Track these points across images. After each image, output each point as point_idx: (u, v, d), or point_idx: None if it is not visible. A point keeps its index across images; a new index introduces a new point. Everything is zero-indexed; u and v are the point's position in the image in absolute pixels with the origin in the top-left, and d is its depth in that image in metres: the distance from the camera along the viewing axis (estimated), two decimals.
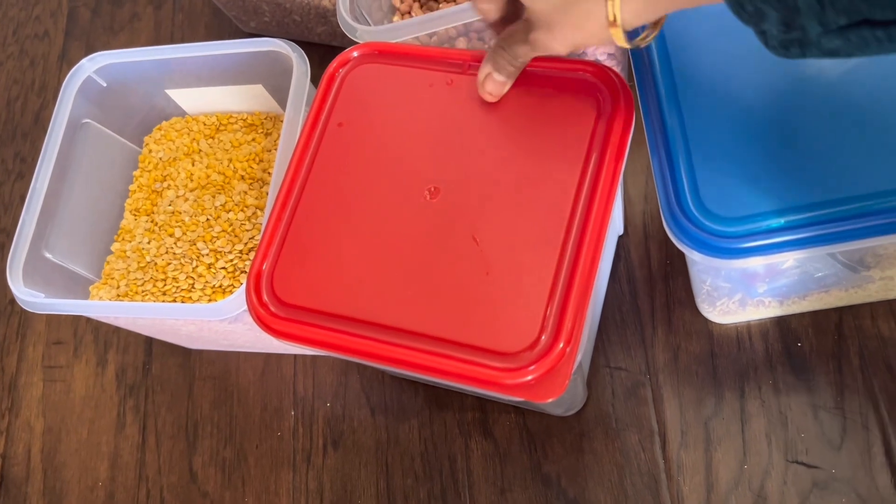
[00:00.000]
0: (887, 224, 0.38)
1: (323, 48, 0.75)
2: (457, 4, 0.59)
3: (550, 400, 0.40)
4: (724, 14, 0.44)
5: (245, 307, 0.45)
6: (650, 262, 0.60)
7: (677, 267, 0.59)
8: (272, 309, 0.44)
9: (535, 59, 0.47)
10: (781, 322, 0.55)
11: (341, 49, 0.61)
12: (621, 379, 0.57)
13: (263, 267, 0.45)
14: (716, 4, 0.32)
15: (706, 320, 0.57)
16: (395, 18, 0.61)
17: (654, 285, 0.59)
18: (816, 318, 0.54)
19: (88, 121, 0.61)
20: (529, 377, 0.40)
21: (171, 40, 0.83)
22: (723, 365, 0.55)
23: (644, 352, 0.57)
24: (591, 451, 0.55)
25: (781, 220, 0.39)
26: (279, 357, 0.64)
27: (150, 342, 0.68)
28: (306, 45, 0.75)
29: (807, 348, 0.54)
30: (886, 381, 0.52)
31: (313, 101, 0.49)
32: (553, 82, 0.46)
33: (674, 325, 0.57)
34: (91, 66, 0.59)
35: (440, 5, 0.59)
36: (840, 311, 0.54)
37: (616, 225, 0.59)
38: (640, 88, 0.45)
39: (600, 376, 0.57)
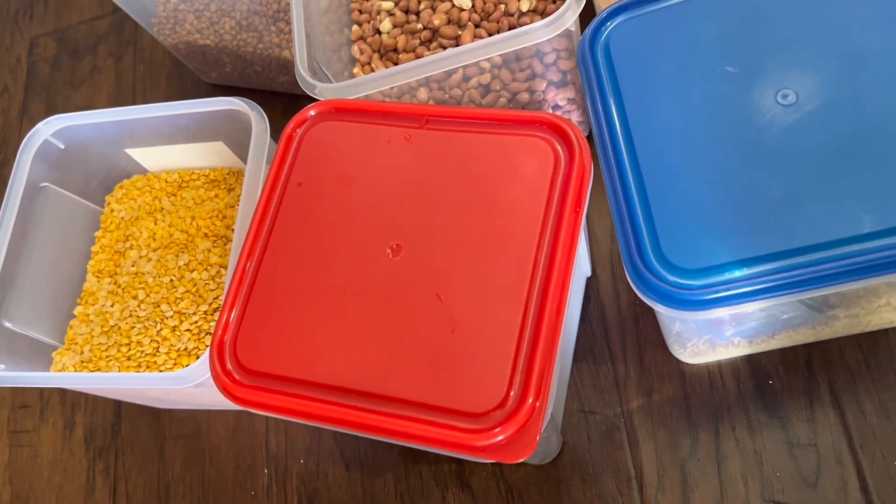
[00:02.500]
0: (849, 270, 0.38)
1: (286, 97, 0.75)
2: (416, 55, 0.59)
3: (521, 460, 0.40)
4: (678, 67, 0.45)
5: (209, 374, 0.45)
6: (620, 302, 0.60)
7: (646, 307, 0.59)
8: (236, 377, 0.44)
9: (494, 112, 0.47)
10: (752, 360, 0.55)
11: (304, 98, 0.61)
12: (596, 423, 0.56)
13: (225, 337, 0.44)
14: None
15: (678, 361, 0.56)
16: (356, 70, 0.61)
17: (624, 326, 0.59)
18: (786, 355, 0.55)
19: (47, 184, 0.60)
20: (500, 437, 0.39)
21: (133, 92, 0.82)
22: (696, 405, 0.55)
23: (618, 395, 0.57)
24: (568, 498, 0.55)
25: (744, 271, 0.39)
26: (251, 414, 0.63)
27: (118, 403, 0.66)
28: (269, 95, 0.75)
29: (778, 386, 0.54)
30: (857, 416, 0.52)
31: (272, 161, 0.48)
32: (511, 135, 0.46)
33: (646, 367, 0.57)
34: (47, 130, 0.59)
35: (399, 56, 0.59)
36: (809, 347, 0.54)
37: (584, 268, 0.59)
38: (598, 140, 0.45)
39: (575, 422, 0.57)
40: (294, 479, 0.60)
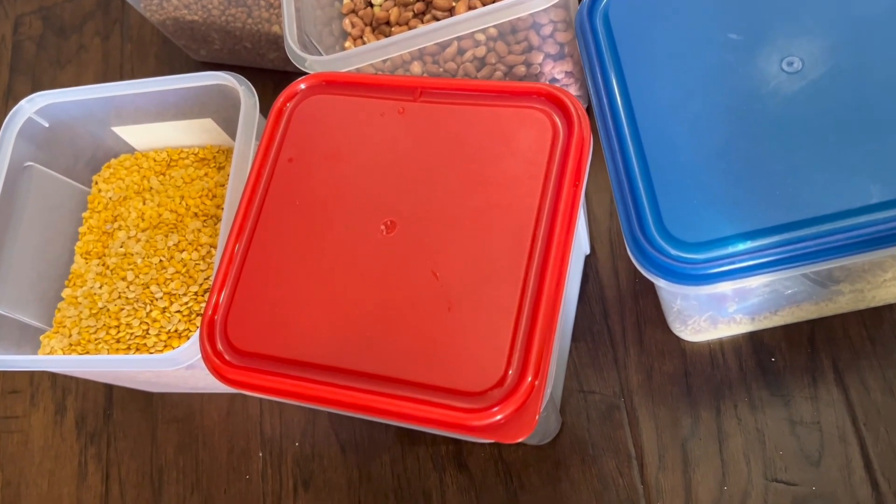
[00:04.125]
0: (856, 243, 0.37)
1: (277, 74, 0.73)
2: (409, 28, 0.57)
3: (520, 440, 0.39)
4: (679, 36, 0.44)
5: (200, 355, 0.44)
6: (619, 280, 0.59)
7: (646, 284, 0.58)
8: (227, 358, 0.42)
9: (490, 83, 0.45)
10: (754, 337, 0.54)
11: (295, 74, 0.59)
12: (595, 403, 0.55)
13: (216, 317, 0.43)
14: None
15: (678, 339, 0.55)
16: (347, 44, 0.60)
17: (624, 304, 0.58)
18: (789, 332, 0.54)
19: (31, 163, 0.58)
20: (499, 416, 0.38)
21: (121, 71, 0.80)
22: (697, 384, 0.54)
23: (617, 373, 0.56)
24: (568, 479, 0.54)
25: (748, 244, 0.38)
26: (244, 397, 0.62)
27: (110, 387, 0.65)
28: (260, 72, 0.74)
29: (781, 363, 0.53)
30: (861, 393, 0.51)
31: (262, 136, 0.47)
32: (508, 107, 0.44)
33: (646, 345, 0.56)
34: (30, 108, 0.57)
35: (392, 29, 0.58)
36: (812, 324, 0.53)
37: (582, 245, 0.58)
38: (598, 112, 0.44)
39: (574, 401, 0.56)
40: (289, 462, 0.59)
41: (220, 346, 0.43)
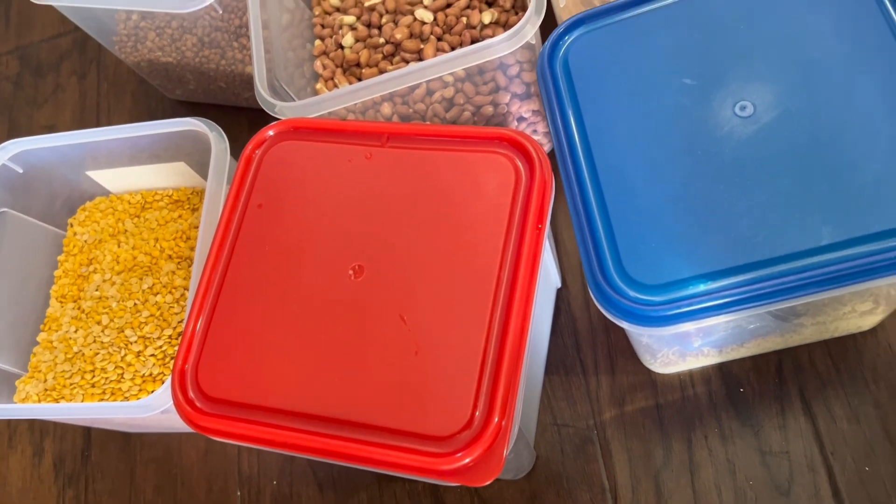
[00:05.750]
0: (811, 283, 0.38)
1: (252, 112, 0.74)
2: (379, 69, 0.58)
3: (488, 482, 0.39)
4: (636, 81, 0.45)
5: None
6: (590, 313, 0.60)
7: None
8: (199, 405, 0.43)
9: (455, 129, 0.46)
10: (723, 368, 0.55)
11: (270, 115, 0.60)
12: (569, 436, 0.56)
13: (186, 366, 0.43)
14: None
15: (649, 371, 0.56)
16: (319, 85, 0.61)
17: (595, 336, 0.59)
18: (757, 363, 0.54)
19: (6, 210, 0.59)
20: (467, 460, 0.39)
21: (97, 110, 0.81)
22: (668, 415, 0.55)
23: (590, 406, 0.57)
24: None
25: (707, 285, 0.39)
26: None
27: (88, 428, 0.65)
28: (235, 110, 0.74)
29: (749, 393, 0.54)
30: (828, 422, 0.52)
31: (232, 183, 0.48)
32: (472, 152, 0.45)
33: (617, 377, 0.57)
34: (4, 155, 0.58)
35: (362, 71, 0.59)
36: (779, 354, 0.54)
37: (551, 280, 0.58)
38: (559, 155, 0.45)
39: (548, 435, 0.56)
40: (267, 501, 0.59)
41: (191, 394, 0.43)
